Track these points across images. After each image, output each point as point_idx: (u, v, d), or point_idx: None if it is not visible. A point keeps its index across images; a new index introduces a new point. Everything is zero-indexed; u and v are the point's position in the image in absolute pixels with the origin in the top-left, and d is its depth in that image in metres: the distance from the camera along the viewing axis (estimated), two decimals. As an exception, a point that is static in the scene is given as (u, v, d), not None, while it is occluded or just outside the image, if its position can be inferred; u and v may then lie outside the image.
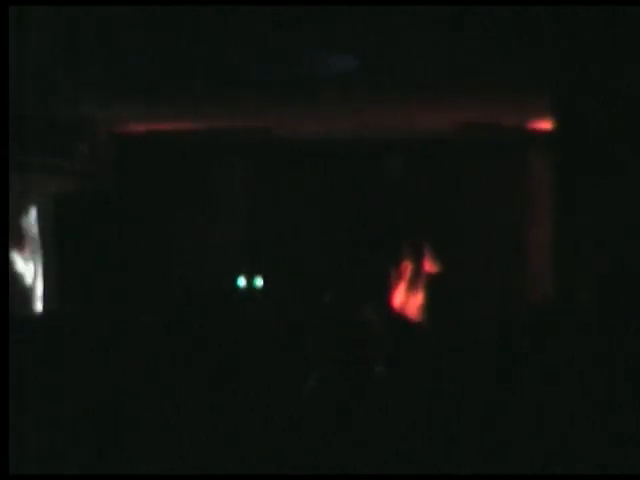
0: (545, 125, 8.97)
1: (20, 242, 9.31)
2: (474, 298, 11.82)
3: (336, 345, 5.28)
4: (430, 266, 10.10)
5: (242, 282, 11.91)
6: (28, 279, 9.42)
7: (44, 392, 4.53)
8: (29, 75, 7.24)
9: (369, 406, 4.50)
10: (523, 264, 12.35)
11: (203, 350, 5.10)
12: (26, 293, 9.37)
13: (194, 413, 4.50)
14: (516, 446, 4.15)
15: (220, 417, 4.49)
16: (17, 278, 9.05)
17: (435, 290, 10.05)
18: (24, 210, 9.40)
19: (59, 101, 8.90)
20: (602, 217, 5.90)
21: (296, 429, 4.43)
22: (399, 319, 9.87)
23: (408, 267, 10.08)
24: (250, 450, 4.31)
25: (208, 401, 4.58)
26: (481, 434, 4.16)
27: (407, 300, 9.95)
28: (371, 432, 4.32)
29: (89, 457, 4.22)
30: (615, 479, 4.00)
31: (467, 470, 4.06)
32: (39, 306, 9.64)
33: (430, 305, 9.96)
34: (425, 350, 4.89)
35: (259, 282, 11.83)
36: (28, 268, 9.43)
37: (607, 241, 5.82)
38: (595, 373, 4.44)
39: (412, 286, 9.99)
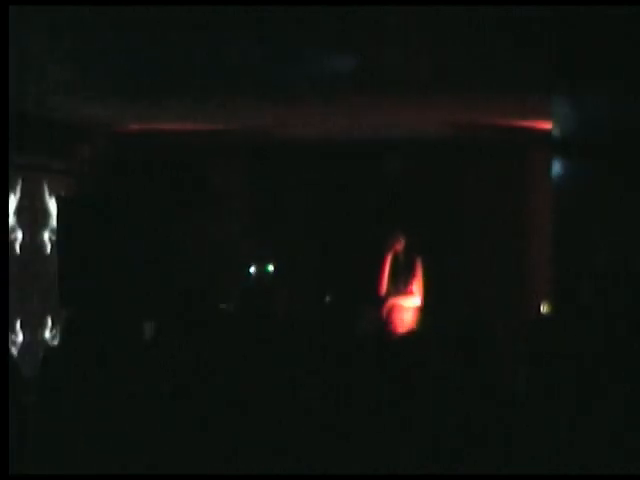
0: (545, 125, 8.97)
1: (20, 243, 9.31)
2: (473, 298, 11.81)
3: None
4: (420, 266, 10.12)
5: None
6: (28, 279, 9.42)
7: (44, 392, 4.53)
8: (29, 75, 7.24)
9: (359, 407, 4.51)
10: (523, 264, 12.36)
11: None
12: (27, 294, 9.37)
13: (198, 411, 4.50)
14: (516, 450, 4.15)
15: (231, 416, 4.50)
16: (17, 279, 9.05)
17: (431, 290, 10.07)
18: (24, 210, 9.40)
19: (59, 101, 8.90)
20: (603, 217, 5.90)
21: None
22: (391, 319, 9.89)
23: (405, 265, 10.09)
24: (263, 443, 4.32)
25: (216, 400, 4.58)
26: (477, 439, 4.17)
27: (397, 298, 9.98)
28: (367, 433, 4.33)
29: (89, 457, 4.22)
30: (615, 479, 4.00)
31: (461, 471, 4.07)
32: (39, 307, 9.64)
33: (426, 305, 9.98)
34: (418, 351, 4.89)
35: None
36: (28, 269, 9.43)
37: (607, 241, 5.82)
38: (596, 376, 4.45)
39: (399, 283, 10.02)
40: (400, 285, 10.02)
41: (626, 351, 4.78)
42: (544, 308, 9.83)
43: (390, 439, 4.27)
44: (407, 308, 9.96)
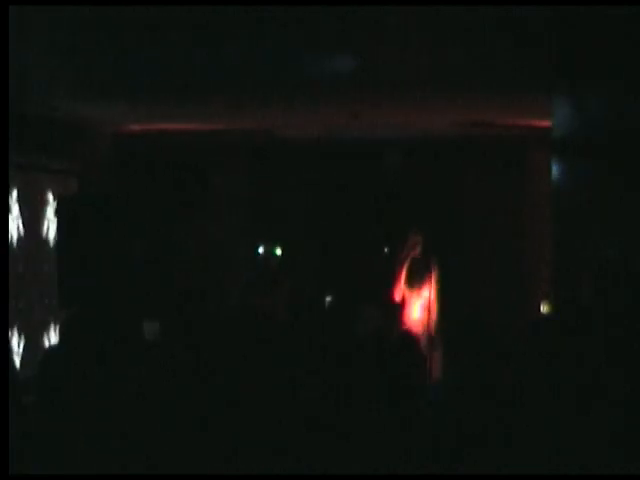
0: (545, 125, 8.97)
1: (20, 242, 9.31)
2: (473, 297, 11.81)
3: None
4: (435, 268, 10.07)
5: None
6: (28, 279, 9.41)
7: (44, 392, 4.53)
8: (29, 75, 7.24)
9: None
10: (523, 264, 12.36)
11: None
12: (26, 294, 9.37)
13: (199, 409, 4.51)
14: (516, 450, 4.15)
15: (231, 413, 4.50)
16: (17, 279, 9.05)
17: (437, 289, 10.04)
18: (24, 210, 9.40)
19: (59, 101, 8.90)
20: (603, 217, 5.90)
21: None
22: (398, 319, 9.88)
23: (422, 267, 10.07)
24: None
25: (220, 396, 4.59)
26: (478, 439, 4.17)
27: (409, 299, 9.95)
28: (365, 433, 4.33)
29: (89, 457, 4.22)
30: (615, 479, 4.00)
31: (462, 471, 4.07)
32: (40, 307, 9.63)
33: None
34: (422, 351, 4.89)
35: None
36: (28, 268, 9.43)
37: (607, 241, 5.82)
38: (596, 376, 4.45)
39: (414, 284, 10.00)
40: (415, 287, 9.98)
41: (626, 351, 4.78)
42: (544, 308, 9.83)
43: (390, 439, 4.27)
44: (420, 310, 9.93)
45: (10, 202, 9.03)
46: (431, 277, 9.94)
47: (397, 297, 9.91)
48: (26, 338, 9.31)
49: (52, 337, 9.75)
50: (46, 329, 9.73)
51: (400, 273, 9.91)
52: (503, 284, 12.33)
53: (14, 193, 9.15)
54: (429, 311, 9.82)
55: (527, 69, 7.01)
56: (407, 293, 9.93)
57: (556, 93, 6.61)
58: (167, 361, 4.94)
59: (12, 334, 8.97)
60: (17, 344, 9.11)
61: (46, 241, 9.82)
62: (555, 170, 6.68)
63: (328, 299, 10.59)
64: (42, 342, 9.61)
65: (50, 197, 9.88)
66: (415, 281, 9.94)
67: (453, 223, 12.63)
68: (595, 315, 5.40)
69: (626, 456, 4.06)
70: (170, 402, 4.50)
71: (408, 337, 5.22)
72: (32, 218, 9.55)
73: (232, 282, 12.27)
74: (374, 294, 10.80)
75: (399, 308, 9.91)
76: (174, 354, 5.06)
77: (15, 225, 9.22)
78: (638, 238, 5.64)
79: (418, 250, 9.97)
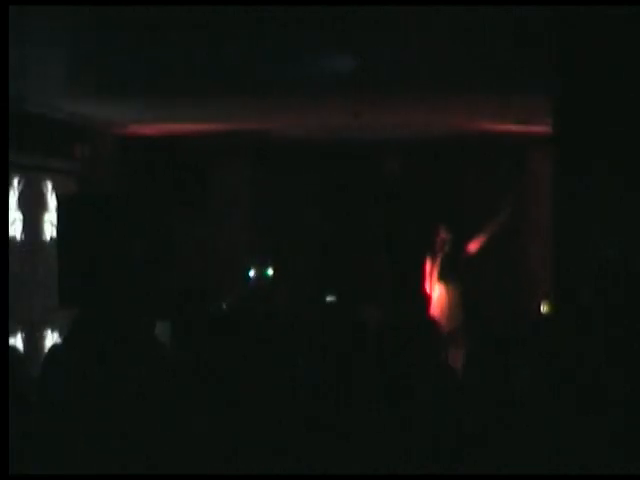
0: (545, 125, 8.98)
1: (20, 242, 9.31)
2: (473, 297, 11.81)
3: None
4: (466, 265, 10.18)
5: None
6: (28, 280, 9.41)
7: (44, 392, 4.53)
8: (29, 75, 7.24)
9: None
10: (523, 264, 12.36)
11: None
12: (26, 294, 9.36)
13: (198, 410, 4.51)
14: (516, 449, 4.15)
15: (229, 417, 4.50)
16: (17, 279, 9.04)
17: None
18: (24, 210, 9.39)
19: (59, 101, 8.90)
20: (603, 217, 5.90)
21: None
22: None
23: (440, 262, 10.13)
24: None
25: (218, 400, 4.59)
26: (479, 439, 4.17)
27: (437, 295, 10.04)
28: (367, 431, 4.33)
29: (89, 457, 4.22)
30: (615, 479, 4.00)
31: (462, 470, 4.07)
32: (40, 307, 9.63)
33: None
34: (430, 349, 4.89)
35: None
36: (28, 268, 9.42)
37: (607, 241, 5.82)
38: (596, 376, 4.45)
39: (442, 281, 10.08)
40: (444, 284, 10.06)
41: (626, 351, 4.79)
42: (544, 308, 9.84)
43: (390, 439, 4.27)
44: (446, 306, 10.00)
45: (10, 202, 9.03)
46: (458, 275, 10.05)
47: (427, 292, 10.05)
48: (26, 338, 9.30)
49: (52, 337, 9.74)
50: (46, 329, 9.73)
51: (432, 269, 10.03)
52: (503, 284, 12.33)
53: (14, 193, 9.15)
54: (454, 308, 9.90)
55: (527, 69, 7.02)
56: (436, 289, 10.03)
57: (556, 93, 6.61)
58: (167, 361, 4.94)
59: (12, 334, 8.97)
60: (17, 344, 9.10)
61: (46, 241, 9.81)
62: (555, 170, 6.67)
63: (328, 299, 10.60)
64: (42, 342, 9.60)
65: (50, 197, 9.88)
66: (443, 278, 10.04)
67: (453, 223, 12.62)
68: (595, 315, 5.40)
69: (626, 456, 4.06)
70: (170, 402, 4.50)
71: (409, 336, 5.22)
72: (32, 218, 9.54)
73: (231, 284, 12.26)
74: (374, 294, 10.82)
75: (427, 304, 10.02)
76: (174, 354, 5.05)
77: (15, 225, 9.22)
78: (638, 238, 5.64)
79: (447, 248, 10.09)
